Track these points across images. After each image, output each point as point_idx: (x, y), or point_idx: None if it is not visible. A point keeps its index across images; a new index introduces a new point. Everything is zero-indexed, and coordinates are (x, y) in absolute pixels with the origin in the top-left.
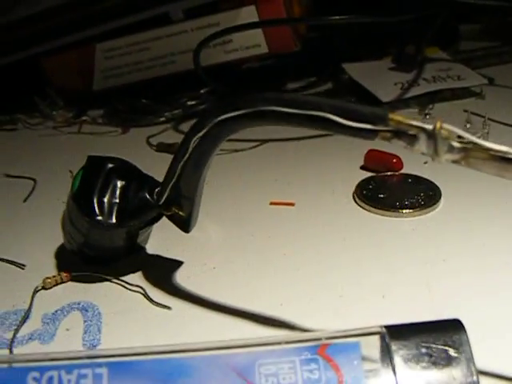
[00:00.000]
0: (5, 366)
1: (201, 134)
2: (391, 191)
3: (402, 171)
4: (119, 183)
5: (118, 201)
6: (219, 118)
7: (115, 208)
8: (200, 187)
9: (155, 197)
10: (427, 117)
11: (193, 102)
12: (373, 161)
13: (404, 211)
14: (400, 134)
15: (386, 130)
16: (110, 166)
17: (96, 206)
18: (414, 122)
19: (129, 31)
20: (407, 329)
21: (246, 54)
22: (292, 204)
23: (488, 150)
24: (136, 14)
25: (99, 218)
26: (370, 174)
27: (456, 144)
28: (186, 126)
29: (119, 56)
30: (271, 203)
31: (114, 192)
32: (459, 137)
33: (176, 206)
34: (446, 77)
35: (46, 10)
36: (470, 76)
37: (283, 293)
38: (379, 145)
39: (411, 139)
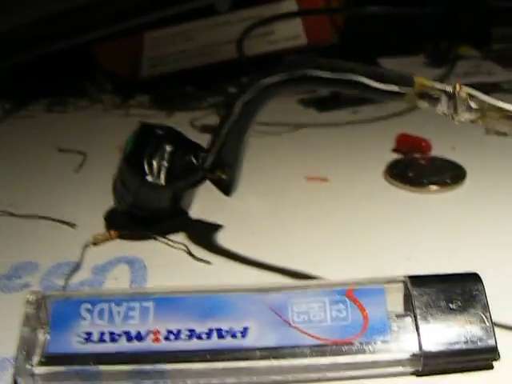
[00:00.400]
0: (61, 298)
1: (246, 99)
2: (419, 171)
3: (431, 154)
4: (168, 148)
5: (166, 163)
6: (264, 83)
7: (163, 170)
8: (242, 152)
9: (200, 161)
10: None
11: (234, 90)
12: (403, 143)
13: (431, 188)
14: (424, 95)
15: (411, 92)
16: (160, 132)
17: (146, 166)
18: (436, 85)
19: (176, 21)
20: (428, 279)
21: (287, 45)
22: (326, 180)
23: (502, 109)
24: (183, 4)
25: (148, 177)
26: (400, 156)
27: (473, 104)
28: None
29: (166, 44)
30: (307, 178)
31: (162, 155)
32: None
33: (219, 169)
34: (476, 72)
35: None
36: (500, 72)
37: (317, 256)
38: (410, 128)
39: (434, 100)
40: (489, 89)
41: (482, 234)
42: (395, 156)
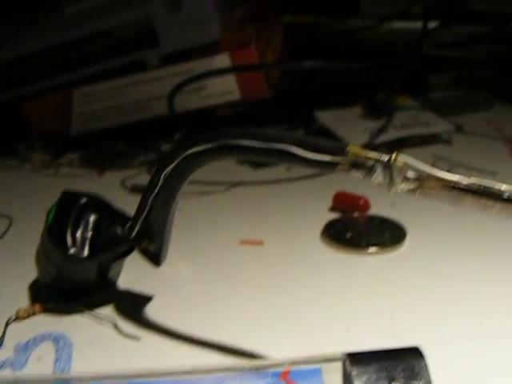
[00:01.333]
0: None
1: (170, 168)
2: (358, 231)
3: (369, 213)
4: (92, 217)
5: (90, 234)
6: (188, 152)
7: (88, 241)
8: (170, 221)
9: (127, 231)
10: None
11: (166, 147)
12: (340, 202)
13: (370, 250)
14: (358, 165)
15: (344, 162)
16: (84, 200)
17: (69, 239)
18: (371, 154)
19: (106, 76)
20: (368, 356)
21: (220, 101)
22: (261, 242)
23: (441, 179)
24: (113, 60)
25: (72, 250)
26: (337, 215)
27: (411, 174)
28: None
29: (96, 101)
30: (241, 242)
31: (86, 226)
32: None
33: (147, 239)
34: (414, 123)
35: (26, 54)
36: (438, 123)
37: (250, 324)
38: (347, 187)
39: (369, 170)
40: (428, 140)
41: (423, 298)
42: (333, 215)
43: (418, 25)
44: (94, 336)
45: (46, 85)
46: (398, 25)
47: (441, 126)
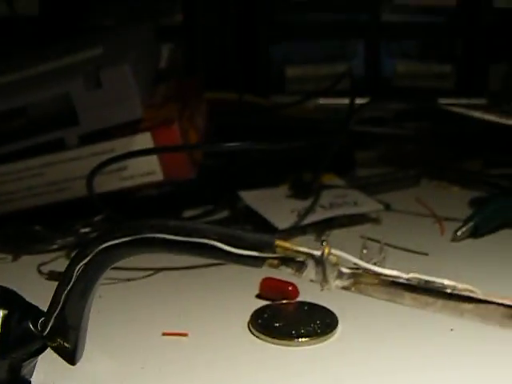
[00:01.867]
0: None
1: (85, 262)
2: (287, 320)
3: (299, 299)
4: (1, 312)
5: None
6: (103, 246)
7: None
8: (86, 316)
9: (39, 327)
10: (323, 243)
11: (86, 230)
12: (268, 289)
13: (300, 340)
14: (288, 260)
15: (272, 257)
16: None
17: None
18: (301, 249)
19: (22, 156)
20: None
21: (141, 181)
22: (185, 334)
23: (378, 274)
24: (29, 138)
25: None
26: (265, 303)
27: (345, 270)
28: None
29: (12, 181)
30: (164, 333)
31: None
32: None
33: (61, 336)
34: (342, 203)
35: None
36: (366, 202)
37: None
38: (275, 273)
39: (299, 266)
40: (357, 220)
41: None
42: (260, 302)
43: (344, 101)
44: None
45: None
46: (324, 101)
47: (369, 205)
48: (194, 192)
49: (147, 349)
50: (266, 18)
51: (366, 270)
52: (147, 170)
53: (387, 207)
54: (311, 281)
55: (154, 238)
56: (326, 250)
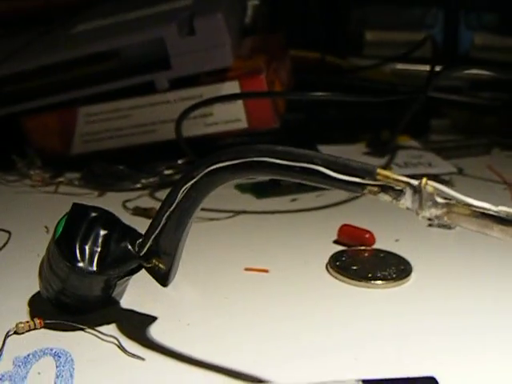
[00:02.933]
0: None
1: (191, 183)
2: (363, 264)
3: (374, 246)
4: (102, 232)
5: (99, 249)
6: (210, 168)
7: (96, 256)
8: (183, 241)
9: (136, 248)
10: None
11: (170, 172)
12: (346, 235)
13: (376, 282)
14: (387, 188)
15: (373, 184)
16: (94, 214)
17: (78, 252)
18: (401, 178)
19: (112, 97)
20: (383, 383)
21: (226, 128)
22: (266, 271)
23: (470, 206)
24: (122, 80)
25: (80, 264)
26: (343, 248)
27: (440, 200)
28: (161, 194)
29: (100, 121)
30: (246, 269)
31: (96, 240)
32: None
33: (157, 258)
34: (417, 163)
35: (31, 69)
36: (440, 164)
37: (256, 351)
38: (352, 219)
39: (397, 194)
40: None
41: (430, 331)
42: (338, 248)
43: (420, 68)
44: (97, 354)
45: (50, 101)
46: (401, 67)
47: (443, 167)
48: (274, 143)
49: (230, 281)
50: None
51: (459, 201)
52: (232, 117)
53: (460, 171)
54: (407, 208)
55: (260, 161)
56: (424, 180)
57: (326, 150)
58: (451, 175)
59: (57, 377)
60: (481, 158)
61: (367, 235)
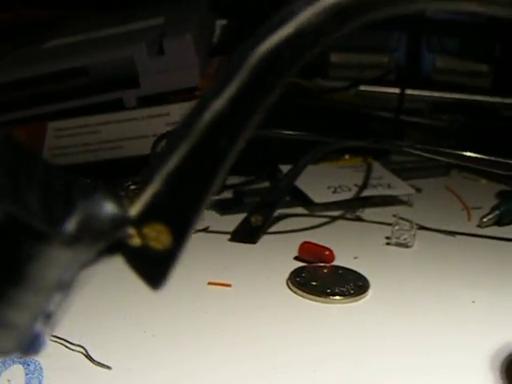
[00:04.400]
0: None
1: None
2: (323, 280)
3: (334, 263)
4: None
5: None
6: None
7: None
8: (208, 194)
9: (119, 206)
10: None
11: (136, 187)
12: (306, 252)
13: (334, 298)
14: None
15: None
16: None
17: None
18: None
19: (81, 112)
20: None
21: None
22: (229, 285)
23: None
24: (91, 97)
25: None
26: (303, 264)
27: None
28: None
29: (69, 136)
30: (209, 283)
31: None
32: None
33: (152, 224)
34: (376, 184)
35: (3, 83)
36: (399, 185)
37: (218, 362)
38: (313, 237)
39: None
40: (389, 201)
41: (386, 348)
42: (298, 264)
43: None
44: (65, 362)
45: (19, 115)
46: (364, 88)
47: (402, 188)
48: (237, 161)
49: (194, 295)
50: None
51: None
52: None
53: (418, 191)
54: None
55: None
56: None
57: (287, 168)
58: (410, 196)
59: None
60: (439, 179)
61: (327, 252)
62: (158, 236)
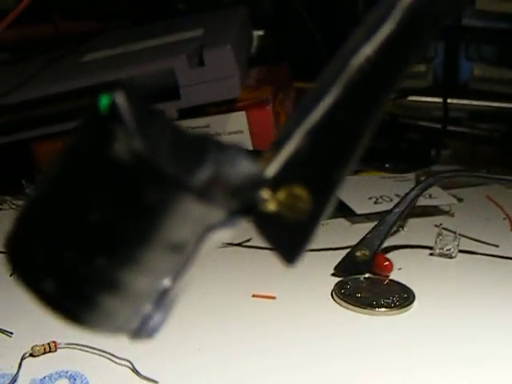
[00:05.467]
0: None
1: None
2: (368, 291)
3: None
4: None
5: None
6: None
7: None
8: (360, 145)
9: (254, 165)
10: (400, 230)
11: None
12: None
13: (380, 310)
14: None
15: None
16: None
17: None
18: None
19: None
20: None
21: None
22: (273, 297)
23: None
24: None
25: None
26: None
27: None
28: None
29: None
30: (254, 295)
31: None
32: None
33: (290, 187)
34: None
35: (43, 97)
36: (441, 195)
37: (264, 380)
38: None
39: None
40: (431, 211)
41: (432, 359)
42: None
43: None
44: (111, 376)
45: (59, 128)
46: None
47: (443, 198)
48: None
49: (239, 308)
50: (351, 13)
51: None
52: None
53: (460, 201)
54: None
55: None
56: None
57: None
58: (451, 205)
59: None
60: (480, 188)
61: (386, 263)
62: (296, 202)
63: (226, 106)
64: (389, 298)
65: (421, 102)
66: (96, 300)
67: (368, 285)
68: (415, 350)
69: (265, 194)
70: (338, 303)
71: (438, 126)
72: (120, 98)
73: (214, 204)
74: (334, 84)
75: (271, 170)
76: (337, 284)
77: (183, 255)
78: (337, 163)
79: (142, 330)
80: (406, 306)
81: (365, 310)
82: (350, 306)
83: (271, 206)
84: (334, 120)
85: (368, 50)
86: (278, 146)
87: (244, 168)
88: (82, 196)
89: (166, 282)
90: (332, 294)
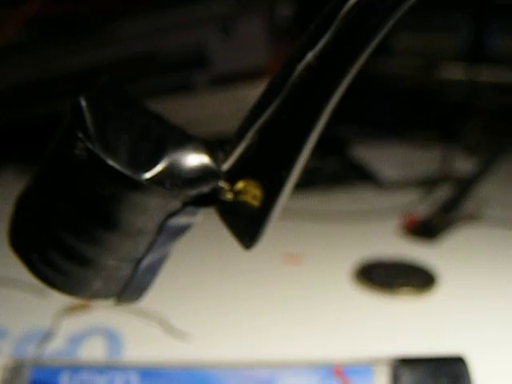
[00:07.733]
0: (38, 366)
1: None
2: (390, 273)
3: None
4: (156, 129)
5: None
6: None
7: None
8: (305, 150)
9: (214, 160)
10: None
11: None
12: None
13: (402, 291)
14: None
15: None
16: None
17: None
18: None
19: (152, 97)
20: (416, 362)
21: None
22: (300, 264)
23: None
24: (164, 78)
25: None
26: (371, 258)
27: None
28: None
29: None
30: (284, 260)
31: (147, 138)
32: None
33: (246, 180)
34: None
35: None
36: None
37: (297, 334)
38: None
39: None
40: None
41: (459, 339)
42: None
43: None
44: (144, 332)
45: None
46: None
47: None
48: None
49: (269, 272)
50: None
51: None
52: None
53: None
54: None
55: None
56: None
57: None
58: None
59: (107, 353)
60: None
61: None
62: (250, 194)
63: (255, 75)
64: (411, 279)
65: (449, 77)
66: (67, 270)
67: (390, 266)
68: (441, 331)
69: (222, 185)
70: (360, 285)
71: (465, 100)
72: (82, 105)
73: (169, 195)
74: (282, 87)
75: (227, 164)
76: (360, 265)
77: (145, 238)
78: (284, 161)
79: (123, 295)
80: (429, 287)
81: (387, 291)
82: (372, 287)
83: (229, 196)
84: (278, 122)
85: (310, 56)
86: (234, 142)
87: (197, 162)
88: (52, 188)
89: (135, 256)
90: (355, 275)
